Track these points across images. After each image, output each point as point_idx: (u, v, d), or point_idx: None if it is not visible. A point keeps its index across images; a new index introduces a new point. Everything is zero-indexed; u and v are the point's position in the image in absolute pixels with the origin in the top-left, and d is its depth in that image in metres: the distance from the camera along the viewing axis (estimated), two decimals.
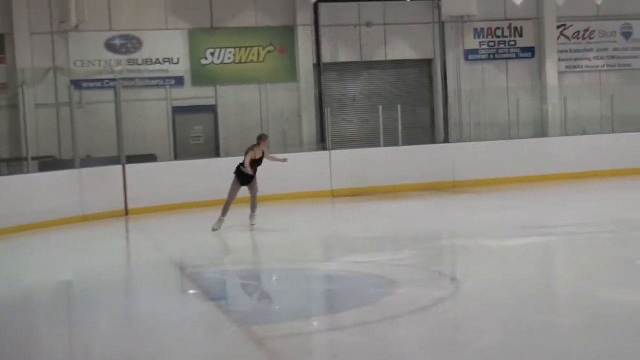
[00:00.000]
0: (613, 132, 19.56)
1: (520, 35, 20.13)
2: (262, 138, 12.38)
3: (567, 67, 20.17)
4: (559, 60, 20.00)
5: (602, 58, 20.23)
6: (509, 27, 20.12)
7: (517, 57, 20.14)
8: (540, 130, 19.84)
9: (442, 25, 19.70)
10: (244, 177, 12.28)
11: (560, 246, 10.43)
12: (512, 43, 20.16)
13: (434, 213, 14.21)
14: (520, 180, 17.66)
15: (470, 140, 19.16)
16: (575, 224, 11.79)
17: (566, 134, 19.32)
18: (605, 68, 20.25)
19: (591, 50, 20.22)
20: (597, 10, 20.02)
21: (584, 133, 19.54)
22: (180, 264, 10.18)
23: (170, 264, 10.17)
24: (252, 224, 12.34)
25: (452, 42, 19.89)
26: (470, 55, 20.06)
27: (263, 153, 12.32)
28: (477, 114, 19.77)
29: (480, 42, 20.09)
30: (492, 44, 20.13)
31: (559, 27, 20.06)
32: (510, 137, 19.58)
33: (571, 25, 20.18)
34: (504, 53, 20.16)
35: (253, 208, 12.39)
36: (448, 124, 19.54)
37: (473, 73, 20.04)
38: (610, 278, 8.05)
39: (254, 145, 12.25)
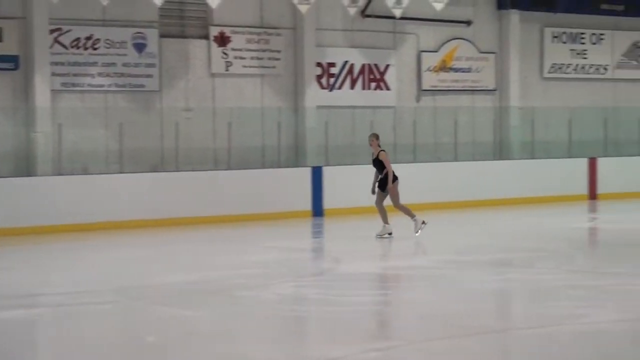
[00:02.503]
0: (121, 171, 20.24)
1: (0, 40, 19.81)
2: (369, 137, 17.32)
3: (63, 84, 20.30)
4: (53, 74, 20.04)
5: (109, 75, 20.77)
6: None
7: None
8: (26, 167, 19.62)
9: None
10: (380, 182, 16.98)
11: (45, 322, 10.49)
12: None
13: None
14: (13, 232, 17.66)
15: None
16: (69, 292, 12.01)
17: (60, 173, 19.52)
18: (113, 88, 20.83)
19: (96, 64, 20.65)
20: (102, 13, 20.56)
21: (85, 172, 19.87)
22: None
23: None
24: (417, 231, 16.91)
25: None
26: None
27: (379, 155, 16.85)
28: None
29: None
30: None
31: (53, 31, 20.14)
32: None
33: (69, 30, 20.42)
34: None
35: (408, 215, 17.00)
36: None
37: None
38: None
39: None
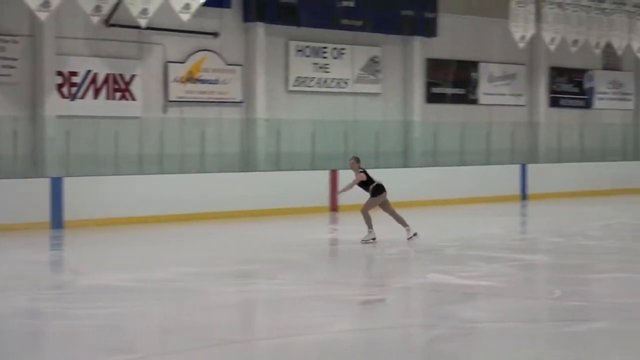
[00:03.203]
0: None
1: None
2: (349, 161, 18.44)
3: None
4: None
5: None
6: None
7: None
8: None
9: None
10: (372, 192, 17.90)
11: None
12: None
13: None
14: None
15: None
16: None
17: None
18: None
19: None
20: None
21: None
22: None
23: None
24: (364, 241, 17.49)
25: None
26: None
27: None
28: None
29: None
30: None
31: None
32: None
33: None
34: None
35: (367, 224, 17.68)
36: None
37: None
38: None
39: None
